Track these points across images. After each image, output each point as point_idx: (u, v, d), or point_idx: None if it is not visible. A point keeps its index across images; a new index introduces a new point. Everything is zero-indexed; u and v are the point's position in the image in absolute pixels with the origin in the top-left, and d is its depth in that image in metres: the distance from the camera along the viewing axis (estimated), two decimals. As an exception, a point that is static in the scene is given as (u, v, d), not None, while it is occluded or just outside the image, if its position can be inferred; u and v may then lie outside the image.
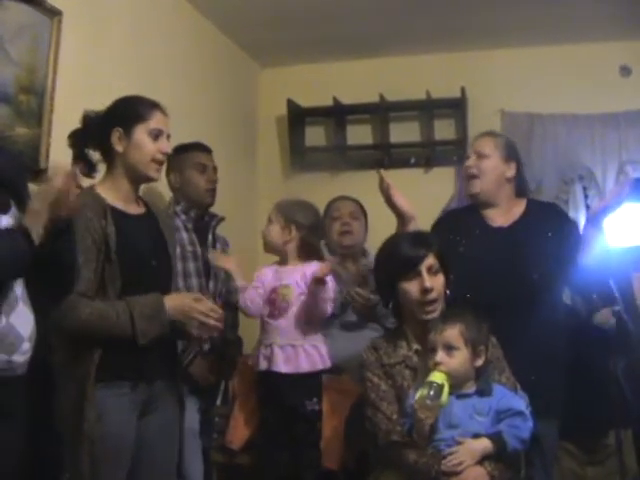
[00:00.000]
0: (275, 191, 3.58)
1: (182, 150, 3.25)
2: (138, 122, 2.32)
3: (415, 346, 2.40)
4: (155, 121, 2.35)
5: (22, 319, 1.82)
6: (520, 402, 2.25)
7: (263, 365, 2.66)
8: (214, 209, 3.35)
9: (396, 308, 2.47)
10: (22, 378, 1.84)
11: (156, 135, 2.34)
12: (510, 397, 2.26)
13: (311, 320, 2.71)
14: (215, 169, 3.30)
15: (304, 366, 2.66)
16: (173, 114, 3.73)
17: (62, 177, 1.87)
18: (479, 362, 2.27)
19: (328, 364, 2.72)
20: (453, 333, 2.24)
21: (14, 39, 2.63)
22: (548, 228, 2.72)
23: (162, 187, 3.31)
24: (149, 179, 2.39)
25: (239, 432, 2.83)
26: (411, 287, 2.36)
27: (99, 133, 2.34)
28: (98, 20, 3.14)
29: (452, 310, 2.35)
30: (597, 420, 2.87)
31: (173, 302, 2.27)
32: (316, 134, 4.82)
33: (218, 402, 3.18)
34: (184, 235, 3.11)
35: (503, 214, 2.79)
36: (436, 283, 2.37)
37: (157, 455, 2.34)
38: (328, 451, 2.72)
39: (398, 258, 2.41)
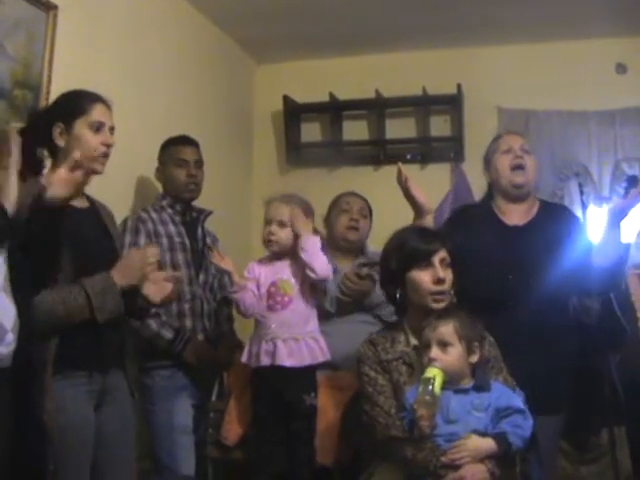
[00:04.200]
0: (271, 187, 3.57)
1: (167, 145, 3.27)
2: (78, 116, 2.30)
3: (413, 342, 2.41)
4: (96, 114, 2.32)
5: (4, 310, 1.79)
6: (519, 400, 2.26)
7: (265, 361, 2.64)
8: (209, 204, 3.35)
9: (399, 301, 2.47)
10: (6, 370, 1.81)
11: (97, 128, 2.31)
12: (509, 394, 2.27)
13: (315, 302, 2.72)
14: (198, 163, 3.27)
15: (307, 359, 2.66)
16: (169, 109, 3.74)
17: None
18: (474, 358, 2.28)
19: (328, 356, 2.72)
20: (447, 330, 2.26)
21: (9, 33, 2.63)
22: (560, 229, 2.74)
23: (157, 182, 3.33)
24: (94, 172, 2.35)
25: (234, 428, 2.83)
26: (423, 276, 2.37)
27: (42, 129, 2.29)
28: (93, 14, 3.13)
29: (445, 308, 2.37)
30: (590, 418, 2.87)
31: (117, 273, 2.27)
32: (312, 130, 4.82)
33: (213, 397, 3.19)
34: (172, 227, 3.13)
35: (523, 212, 2.81)
36: (447, 276, 2.39)
37: (116, 447, 2.35)
38: (323, 447, 2.72)
39: (412, 247, 2.42)
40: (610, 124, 4.25)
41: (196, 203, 3.30)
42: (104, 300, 2.22)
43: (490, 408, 2.22)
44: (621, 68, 4.30)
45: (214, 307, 3.21)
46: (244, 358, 2.72)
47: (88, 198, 2.46)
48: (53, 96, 2.79)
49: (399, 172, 2.72)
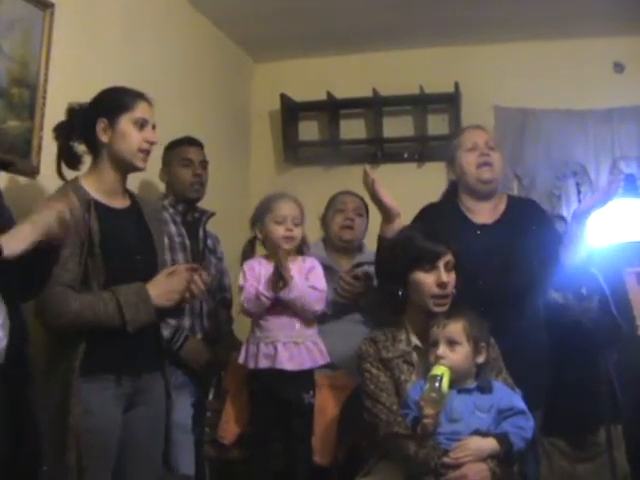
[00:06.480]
0: (268, 186, 3.56)
1: (172, 146, 3.28)
2: (123, 112, 2.31)
3: (415, 342, 2.40)
4: (140, 110, 2.34)
5: None
6: (520, 401, 2.27)
7: (264, 363, 2.63)
8: (207, 203, 3.34)
9: (400, 300, 2.45)
10: None
11: (141, 124, 2.34)
12: (511, 395, 2.28)
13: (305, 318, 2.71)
14: (203, 163, 3.29)
15: (307, 362, 2.66)
16: (166, 108, 3.71)
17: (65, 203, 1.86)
18: (480, 359, 2.29)
19: (328, 359, 2.73)
20: (456, 328, 2.26)
21: (6, 32, 2.62)
22: (529, 225, 2.73)
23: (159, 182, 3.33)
24: (136, 169, 2.38)
25: (230, 427, 2.83)
26: (427, 279, 2.37)
27: (84, 124, 2.33)
28: (90, 13, 3.12)
29: (455, 306, 2.36)
30: (587, 416, 2.87)
31: (155, 289, 2.28)
32: (309, 129, 4.82)
33: (210, 396, 3.18)
34: (172, 227, 3.13)
35: (490, 210, 2.79)
36: (451, 279, 2.39)
37: (143, 449, 2.34)
38: (320, 447, 2.72)
39: (419, 249, 2.40)
40: (608, 123, 4.24)
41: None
42: (137, 312, 2.22)
43: (493, 409, 2.23)
44: (619, 67, 4.30)
45: (213, 307, 3.20)
46: (241, 359, 2.71)
47: (130, 195, 2.46)
48: (50, 94, 2.79)
49: (365, 174, 2.69)
